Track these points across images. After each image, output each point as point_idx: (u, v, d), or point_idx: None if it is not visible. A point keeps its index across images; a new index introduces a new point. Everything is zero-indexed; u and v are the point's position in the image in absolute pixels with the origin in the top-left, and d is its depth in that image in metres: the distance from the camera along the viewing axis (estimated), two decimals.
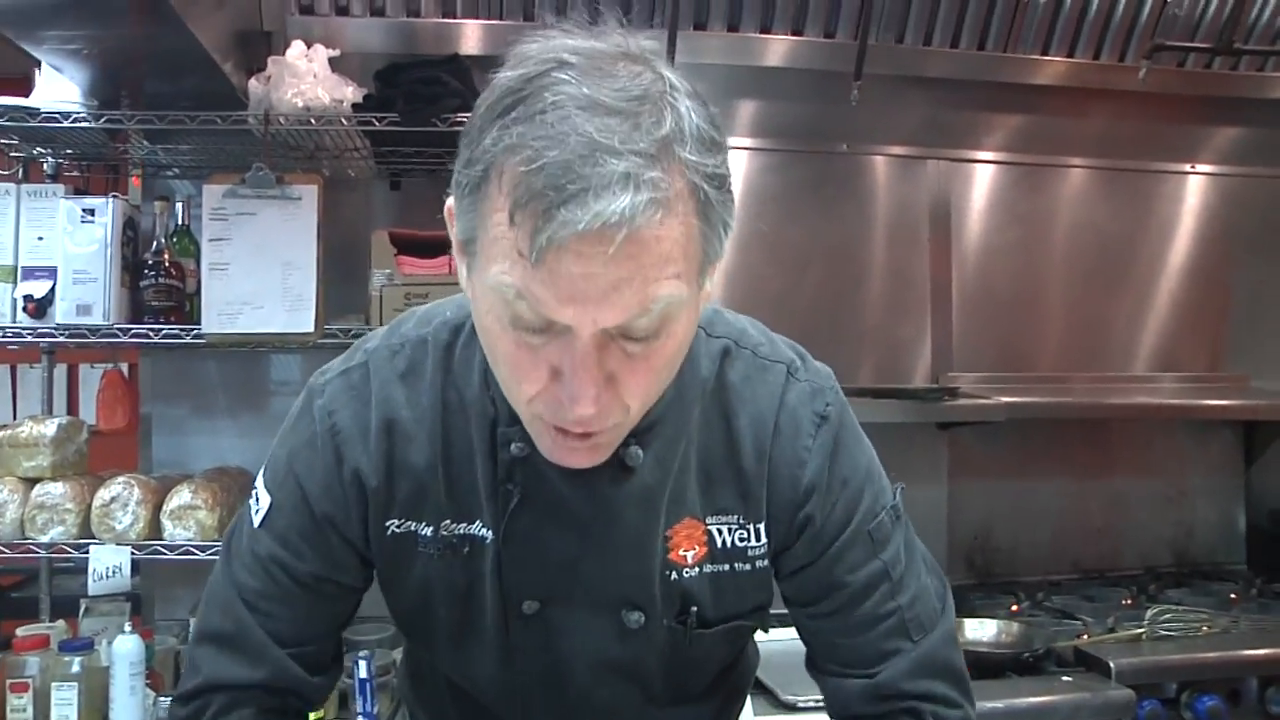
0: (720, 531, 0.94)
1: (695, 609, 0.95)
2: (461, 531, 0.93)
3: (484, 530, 0.93)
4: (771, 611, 1.04)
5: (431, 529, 0.94)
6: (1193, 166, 2.85)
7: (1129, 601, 2.52)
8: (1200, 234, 2.85)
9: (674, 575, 0.93)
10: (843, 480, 0.94)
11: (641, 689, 1.00)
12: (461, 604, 0.96)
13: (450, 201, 0.78)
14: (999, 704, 1.94)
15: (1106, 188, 2.80)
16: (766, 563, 0.96)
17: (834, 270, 2.61)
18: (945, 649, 0.98)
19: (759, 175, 2.57)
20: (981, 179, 2.73)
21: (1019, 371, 2.69)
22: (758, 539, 0.95)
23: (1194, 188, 2.86)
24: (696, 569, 0.94)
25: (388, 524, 0.94)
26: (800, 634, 1.02)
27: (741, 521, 0.94)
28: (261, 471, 0.98)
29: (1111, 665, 2.06)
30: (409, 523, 0.94)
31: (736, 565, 0.95)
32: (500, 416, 0.89)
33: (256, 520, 0.96)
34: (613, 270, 0.69)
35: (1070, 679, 2.05)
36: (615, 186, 0.67)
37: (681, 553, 0.93)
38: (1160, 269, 2.84)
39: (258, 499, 0.97)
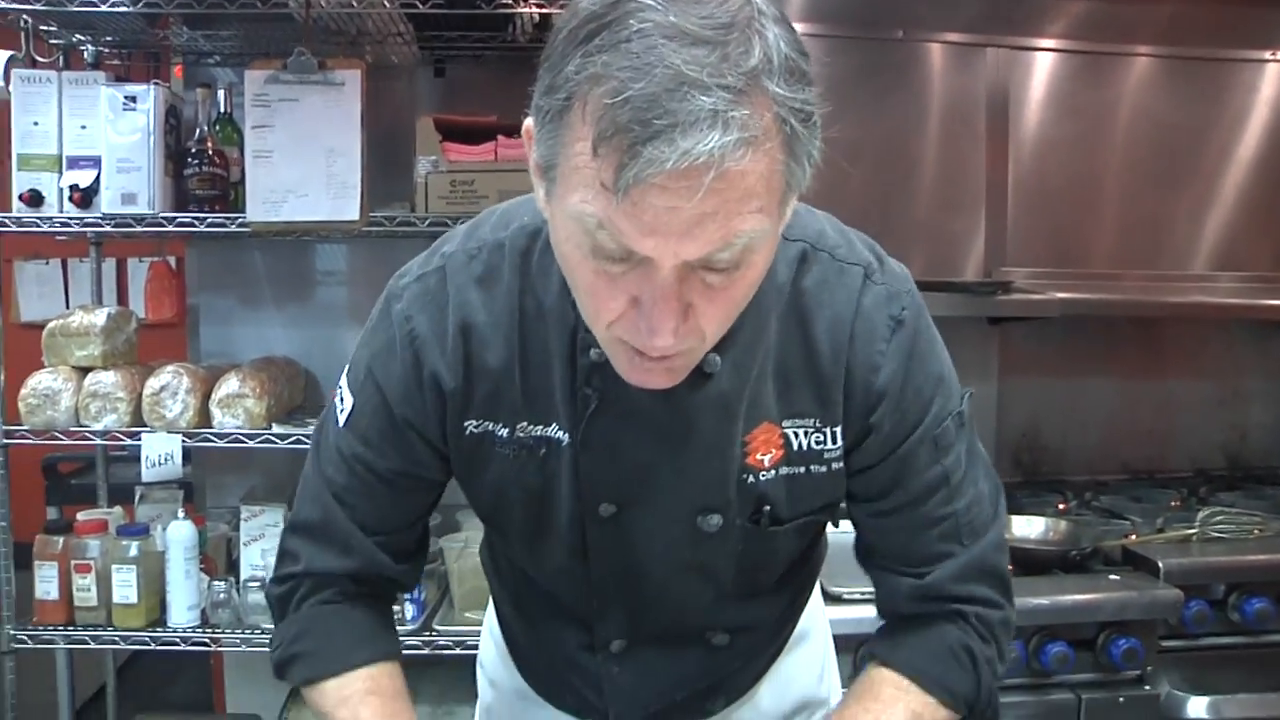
0: (797, 435, 0.94)
1: (769, 508, 0.96)
2: (538, 434, 0.94)
3: (560, 433, 0.93)
4: None
5: (507, 430, 0.95)
6: (1274, 54, 2.69)
7: (1178, 503, 2.49)
8: (1274, 126, 2.71)
9: (750, 479, 0.94)
10: (915, 387, 0.93)
11: (714, 586, 1.02)
12: (537, 504, 0.97)
13: (529, 123, 0.77)
14: (1045, 600, 1.93)
15: (1174, 78, 2.67)
16: (841, 466, 0.96)
17: (886, 161, 2.53)
18: (994, 554, 0.99)
19: (811, 62, 2.48)
20: (1041, 68, 2.62)
21: (1074, 268, 2.61)
22: (834, 442, 0.95)
23: (1271, 77, 2.70)
24: (773, 471, 0.94)
25: (465, 424, 0.95)
26: (856, 527, 1.03)
27: (818, 425, 0.94)
28: (345, 371, 1.00)
29: (1160, 565, 2.04)
30: (486, 423, 0.95)
31: (812, 467, 0.95)
32: (580, 323, 0.88)
33: (341, 420, 0.98)
34: (697, 205, 0.68)
35: (1117, 578, 2.04)
36: (703, 124, 0.66)
37: (759, 456, 0.94)
38: (1227, 164, 2.72)
39: (342, 398, 0.98)
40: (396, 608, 2.03)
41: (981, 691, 0.97)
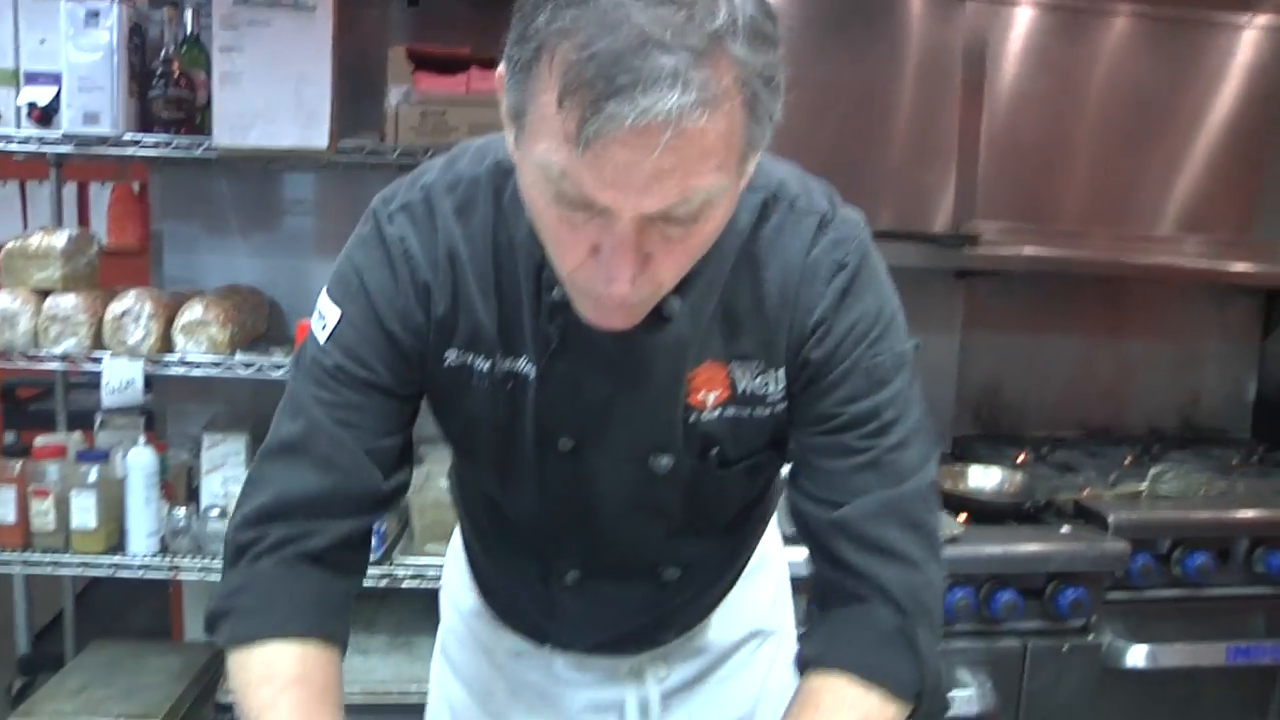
0: (743, 376, 0.95)
1: (716, 449, 0.97)
2: (508, 367, 0.96)
3: (528, 367, 0.95)
4: None
5: (488, 364, 0.96)
6: (1251, 18, 2.70)
7: (1131, 461, 2.54)
8: (1246, 92, 2.72)
9: (694, 418, 0.96)
10: (849, 321, 0.94)
11: (666, 523, 1.04)
12: (504, 436, 0.99)
13: (501, 68, 0.79)
14: (997, 549, 1.98)
15: (1152, 38, 2.67)
16: (784, 408, 0.97)
17: (859, 109, 2.52)
18: (916, 503, 0.95)
19: (786, 7, 2.46)
20: (1021, 22, 2.61)
21: (1042, 224, 2.63)
22: (777, 385, 0.96)
23: (1247, 42, 2.71)
24: (717, 411, 0.96)
25: (446, 354, 0.97)
26: (791, 448, 1.02)
27: (762, 368, 0.95)
28: (324, 290, 0.98)
29: (1109, 519, 2.09)
30: (466, 355, 0.96)
31: (756, 410, 0.97)
32: (545, 261, 0.89)
33: (323, 336, 0.96)
34: (655, 162, 0.70)
35: (1068, 530, 2.09)
36: (664, 83, 0.68)
37: (701, 395, 0.95)
38: (1198, 127, 2.74)
39: (322, 315, 0.97)
40: None
41: (927, 677, 0.92)
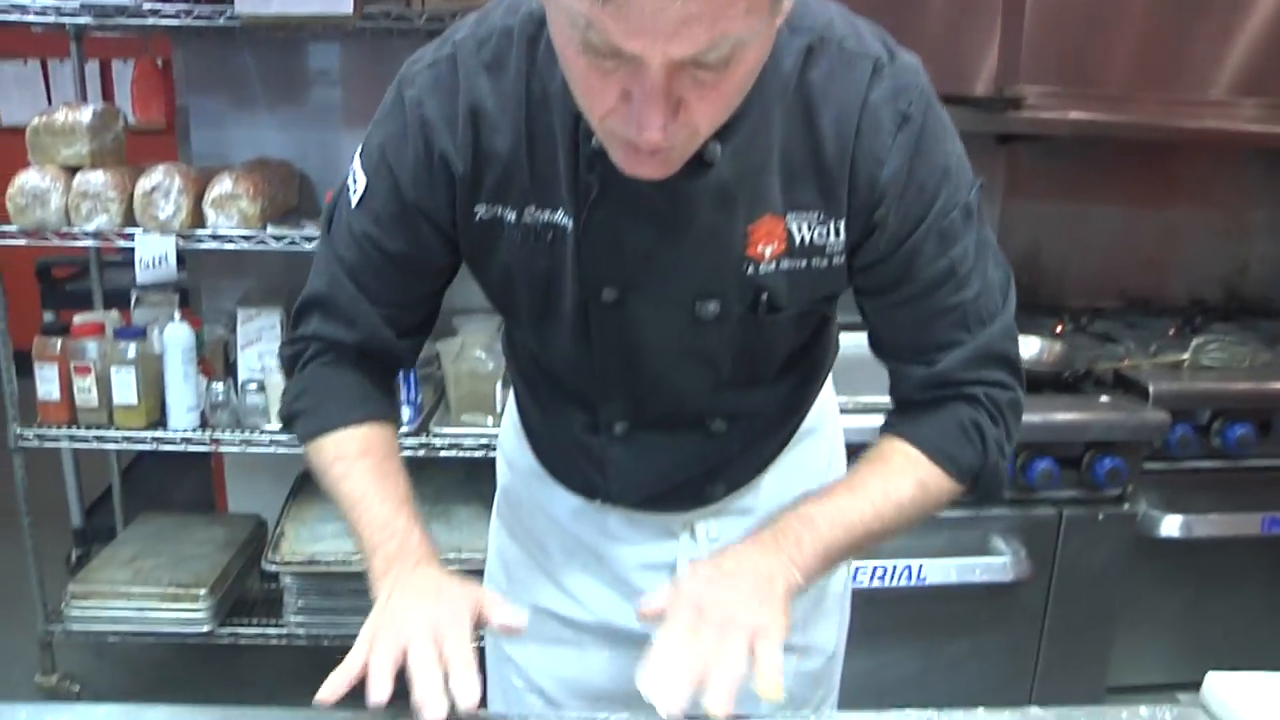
0: (800, 227, 0.94)
1: (766, 297, 0.98)
2: (545, 219, 0.96)
3: (565, 218, 0.95)
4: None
5: (515, 214, 0.96)
6: None
7: (1173, 332, 2.50)
8: None
9: (750, 270, 0.95)
10: (919, 182, 0.92)
11: (713, 372, 1.04)
12: (543, 288, 0.99)
13: None
14: (1036, 418, 1.97)
15: None
16: (843, 260, 0.97)
17: None
18: (1002, 341, 1.00)
19: None
20: None
21: (1088, 87, 2.53)
22: (836, 235, 0.95)
23: None
24: (774, 264, 0.95)
25: (475, 209, 0.97)
26: (866, 319, 1.05)
27: (822, 218, 0.94)
28: (358, 152, 1.02)
29: (1150, 388, 2.07)
30: (495, 207, 0.97)
31: (814, 261, 0.96)
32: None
33: (354, 200, 1.00)
34: (682, 8, 0.67)
35: (1107, 399, 2.07)
36: None
37: (760, 248, 0.94)
38: None
39: (354, 178, 1.00)
40: None
41: (986, 465, 1.00)
